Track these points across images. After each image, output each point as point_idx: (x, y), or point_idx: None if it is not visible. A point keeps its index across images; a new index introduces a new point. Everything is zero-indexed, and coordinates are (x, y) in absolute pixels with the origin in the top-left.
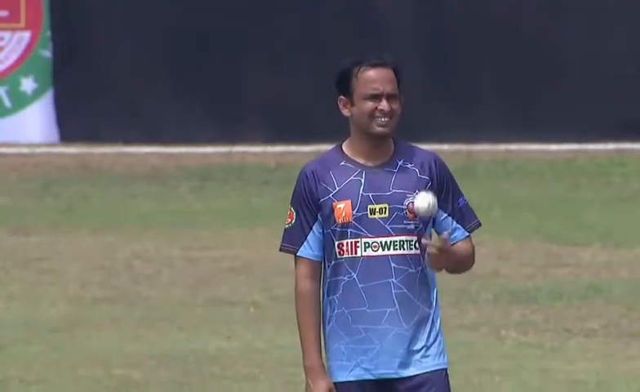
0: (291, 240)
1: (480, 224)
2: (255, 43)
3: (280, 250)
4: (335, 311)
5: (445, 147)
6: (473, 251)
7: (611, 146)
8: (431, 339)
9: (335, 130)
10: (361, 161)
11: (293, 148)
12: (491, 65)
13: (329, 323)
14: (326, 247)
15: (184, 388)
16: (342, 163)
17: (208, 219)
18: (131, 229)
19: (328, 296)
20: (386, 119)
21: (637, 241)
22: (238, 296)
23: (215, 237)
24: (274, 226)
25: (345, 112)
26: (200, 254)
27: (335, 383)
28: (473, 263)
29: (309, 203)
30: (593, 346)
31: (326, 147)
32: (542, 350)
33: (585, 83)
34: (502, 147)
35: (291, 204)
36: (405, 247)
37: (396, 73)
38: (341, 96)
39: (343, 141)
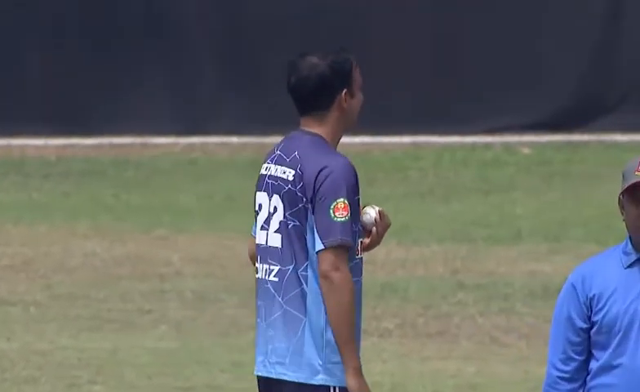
0: (349, 233)
1: None
2: (36, 30)
3: (341, 244)
4: (358, 308)
5: (234, 139)
6: None
7: (406, 139)
8: None
9: (116, 121)
10: None
11: (74, 140)
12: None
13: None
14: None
15: None
16: None
17: None
18: None
19: None
20: None
21: (433, 237)
22: (18, 295)
23: None
24: (55, 221)
25: (344, 105)
26: None
27: None
28: None
29: (358, 197)
30: (388, 346)
31: (105, 140)
32: None
33: (379, 72)
34: None
35: (347, 197)
36: None
37: None
38: (345, 89)
39: (319, 134)
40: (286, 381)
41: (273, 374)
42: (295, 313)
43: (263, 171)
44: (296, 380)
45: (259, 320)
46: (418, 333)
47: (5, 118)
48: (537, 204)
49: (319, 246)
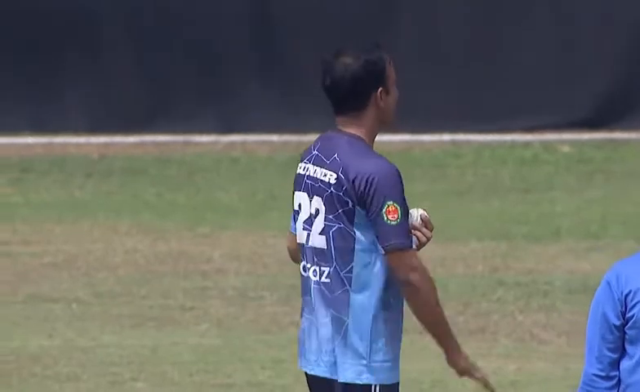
0: (403, 235)
1: None
2: (76, 27)
3: (396, 248)
4: (400, 307)
5: (274, 137)
6: None
7: (446, 137)
8: None
9: (158, 119)
10: None
11: (117, 138)
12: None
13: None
14: None
15: (2, 389)
16: None
17: (28, 212)
18: None
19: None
20: None
21: (472, 235)
22: (60, 293)
23: (35, 231)
24: (98, 220)
25: (380, 103)
26: (20, 249)
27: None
28: None
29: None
30: (427, 344)
31: (147, 139)
32: None
33: (419, 70)
34: None
35: (395, 200)
36: None
37: None
38: (381, 87)
39: (356, 135)
40: (333, 380)
41: (327, 373)
42: (339, 315)
43: (301, 171)
44: (343, 380)
45: (309, 317)
46: (458, 331)
47: (46, 116)
48: (577, 202)
49: (381, 250)
